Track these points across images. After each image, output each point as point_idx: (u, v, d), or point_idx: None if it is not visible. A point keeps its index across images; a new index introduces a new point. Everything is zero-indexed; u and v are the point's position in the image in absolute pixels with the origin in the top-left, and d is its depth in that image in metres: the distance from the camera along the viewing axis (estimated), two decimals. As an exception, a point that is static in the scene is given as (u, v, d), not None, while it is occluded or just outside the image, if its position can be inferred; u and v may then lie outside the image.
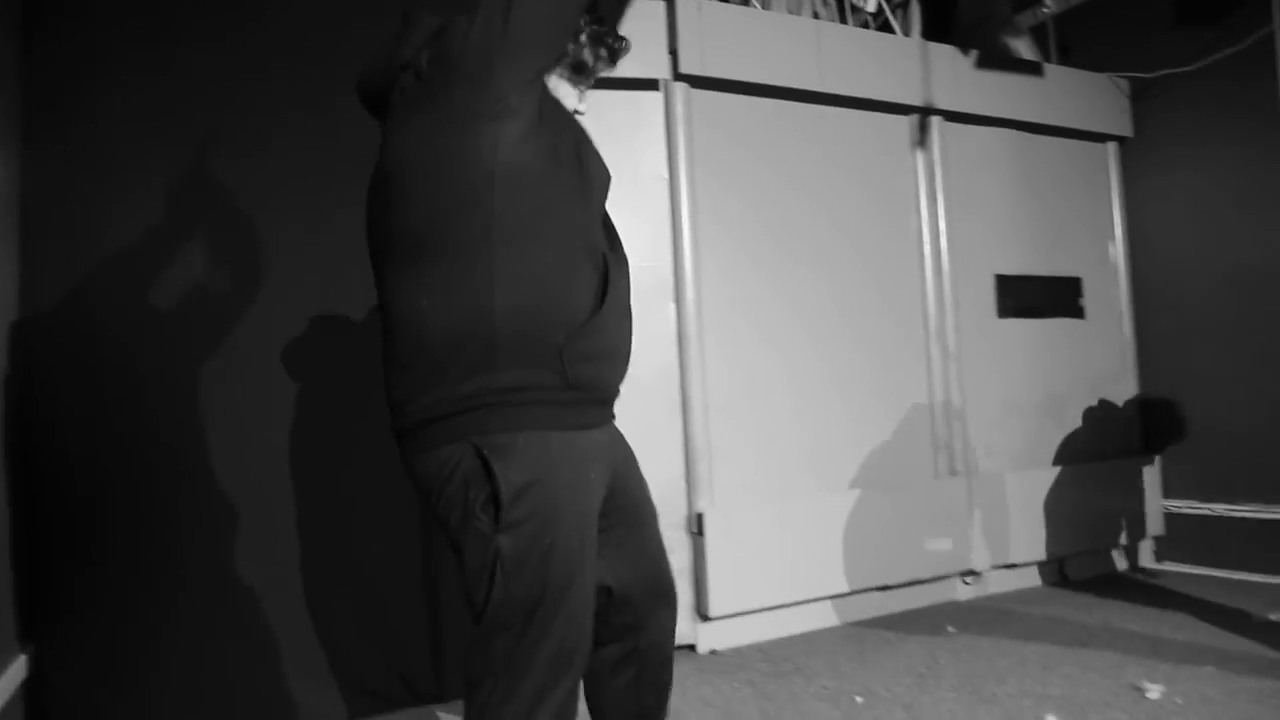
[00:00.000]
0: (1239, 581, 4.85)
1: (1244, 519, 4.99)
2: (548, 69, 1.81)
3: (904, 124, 4.75)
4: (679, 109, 4.08)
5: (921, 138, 4.78)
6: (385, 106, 1.83)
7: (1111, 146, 5.52)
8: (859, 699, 3.30)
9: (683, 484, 4.01)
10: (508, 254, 1.66)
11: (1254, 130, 4.89)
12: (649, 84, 4.06)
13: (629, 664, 1.98)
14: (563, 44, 1.81)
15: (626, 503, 1.93)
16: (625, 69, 2.16)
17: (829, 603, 4.30)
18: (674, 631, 2.05)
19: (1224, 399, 5.07)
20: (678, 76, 4.08)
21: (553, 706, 1.70)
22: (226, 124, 3.23)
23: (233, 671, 3.12)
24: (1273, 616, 4.08)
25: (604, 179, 1.89)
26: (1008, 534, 4.79)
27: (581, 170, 1.80)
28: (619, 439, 1.96)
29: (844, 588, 4.30)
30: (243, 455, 3.18)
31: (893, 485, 4.49)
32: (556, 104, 1.85)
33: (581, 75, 1.95)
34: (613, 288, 1.78)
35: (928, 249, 4.73)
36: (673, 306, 4.03)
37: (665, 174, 4.06)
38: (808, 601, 4.23)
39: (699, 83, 4.13)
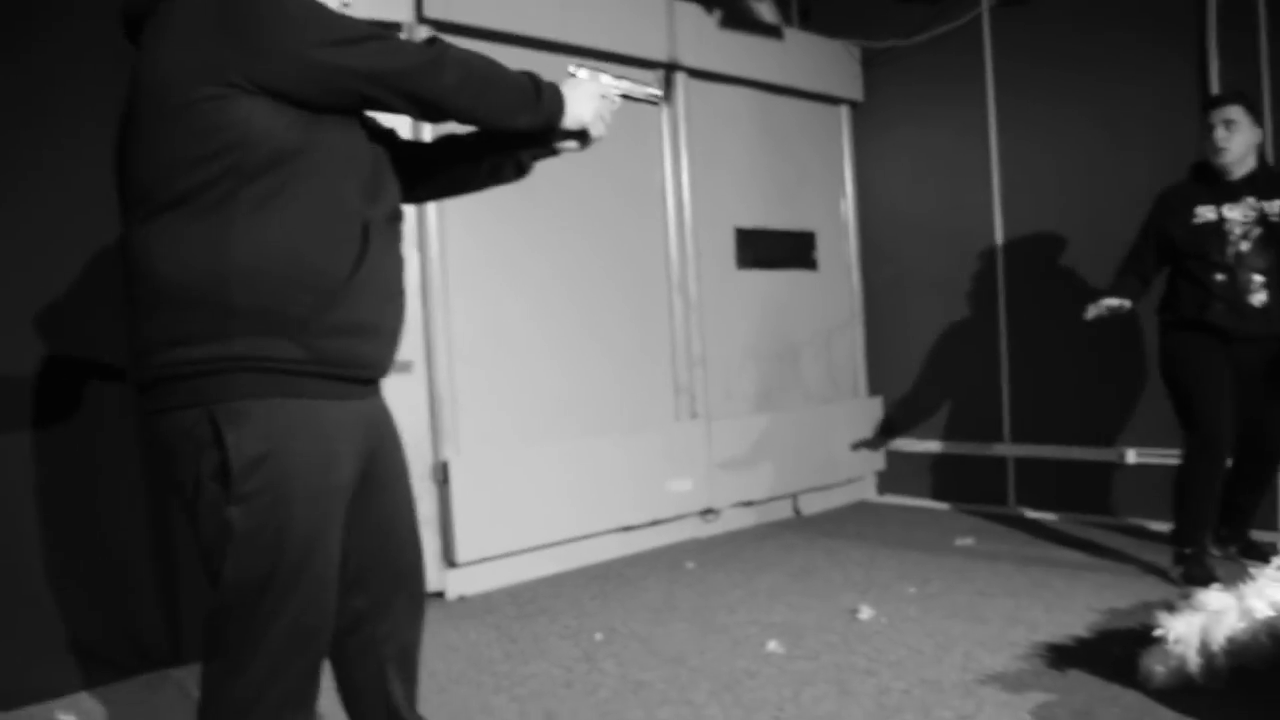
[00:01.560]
0: (946, 511, 5.36)
1: (951, 455, 5.51)
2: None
3: (650, 79, 4.85)
4: (423, 53, 4.00)
5: (666, 92, 4.90)
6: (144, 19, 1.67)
7: (844, 109, 5.85)
8: (599, 636, 3.43)
9: (428, 433, 4.01)
10: (253, 215, 1.57)
11: (963, 103, 5.34)
12: (391, 27, 3.95)
13: (368, 655, 1.91)
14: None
15: (379, 482, 1.86)
16: (366, 9, 2.10)
17: (575, 544, 4.42)
18: (418, 626, 1.99)
19: (937, 346, 5.55)
20: (421, 19, 4.00)
21: (287, 686, 1.66)
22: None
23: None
24: (959, 542, 4.56)
25: (383, 141, 1.83)
26: (745, 473, 5.08)
27: (349, 134, 1.72)
28: (382, 411, 1.89)
29: (590, 529, 4.45)
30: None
31: (636, 429, 4.66)
32: None
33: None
34: (371, 261, 1.69)
35: (671, 202, 4.90)
36: (416, 255, 3.98)
37: (407, 120, 3.98)
38: (554, 544, 4.35)
39: (443, 28, 4.05)
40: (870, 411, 5.77)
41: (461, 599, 4.02)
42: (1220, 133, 3.55)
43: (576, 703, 2.83)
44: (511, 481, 4.15)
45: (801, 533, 4.97)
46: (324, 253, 1.64)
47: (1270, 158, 4.19)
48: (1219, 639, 2.56)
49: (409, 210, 3.84)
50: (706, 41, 4.99)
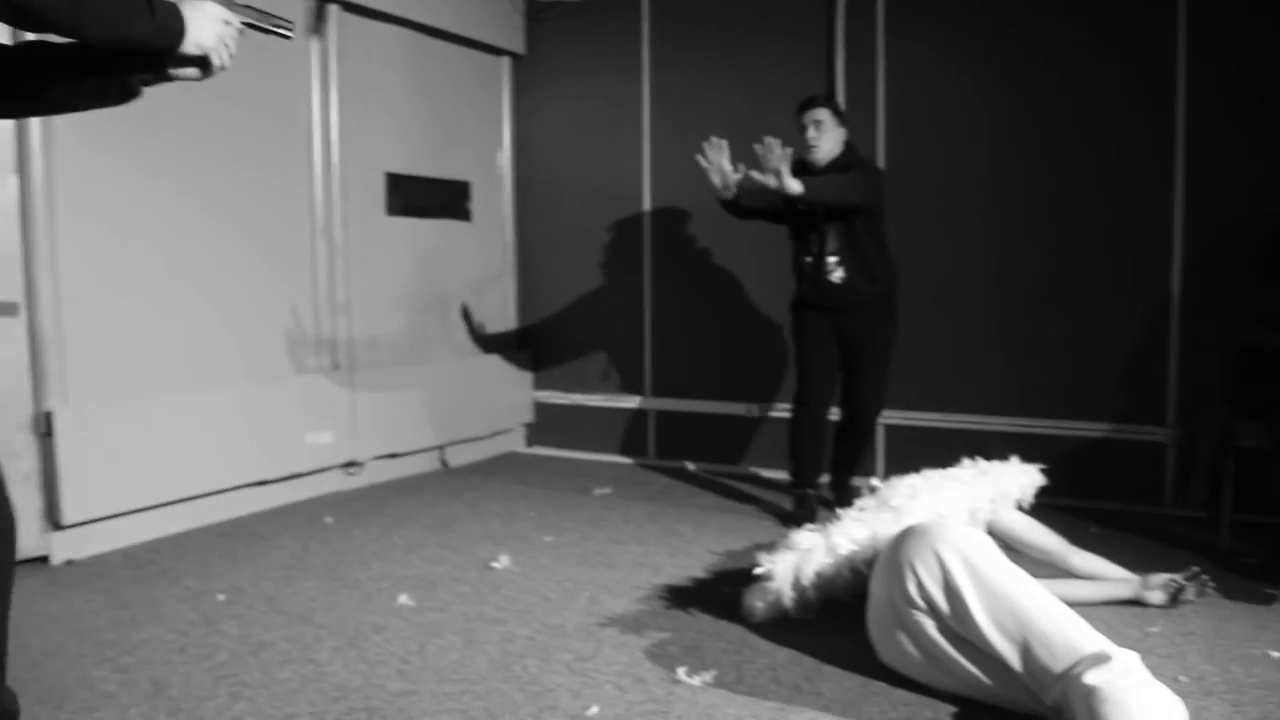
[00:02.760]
0: (590, 461, 5.56)
1: (596, 407, 5.71)
2: None
3: (299, 7, 4.57)
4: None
5: (318, 25, 4.66)
6: None
7: (505, 61, 5.83)
8: (221, 596, 3.25)
9: (28, 380, 3.59)
10: None
11: (621, 65, 5.48)
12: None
13: None
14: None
15: None
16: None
17: (204, 501, 4.16)
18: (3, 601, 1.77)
19: (587, 302, 5.72)
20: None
21: None
22: None
23: None
24: (598, 492, 4.76)
25: None
26: (391, 425, 4.99)
27: None
28: None
29: (221, 485, 4.20)
30: None
31: (273, 379, 4.44)
32: None
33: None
34: None
35: (318, 140, 4.67)
36: (14, 179, 3.54)
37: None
38: (181, 501, 4.06)
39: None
40: (520, 364, 5.84)
41: (69, 564, 3.66)
42: (810, 132, 4.00)
43: (190, 668, 2.67)
44: (130, 434, 3.82)
45: (446, 485, 4.97)
46: None
47: (884, 146, 4.67)
48: (809, 574, 2.84)
49: (6, 126, 3.45)
50: (363, -25, 4.78)
